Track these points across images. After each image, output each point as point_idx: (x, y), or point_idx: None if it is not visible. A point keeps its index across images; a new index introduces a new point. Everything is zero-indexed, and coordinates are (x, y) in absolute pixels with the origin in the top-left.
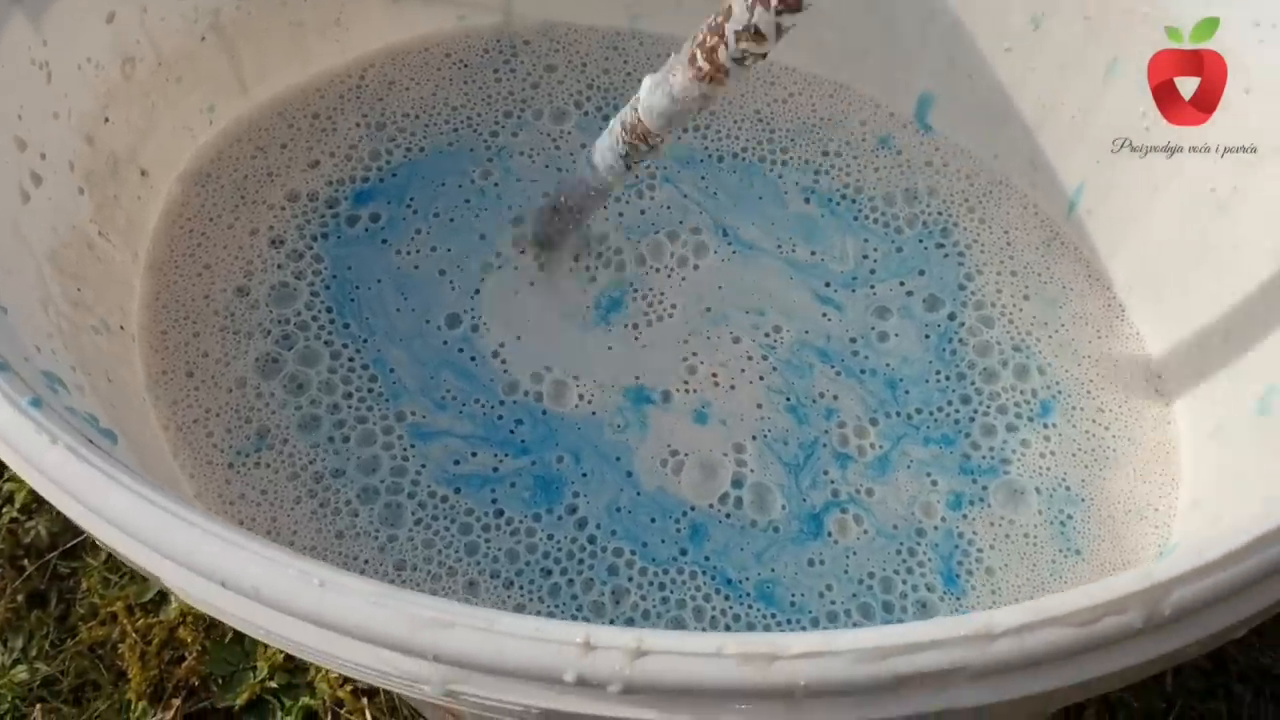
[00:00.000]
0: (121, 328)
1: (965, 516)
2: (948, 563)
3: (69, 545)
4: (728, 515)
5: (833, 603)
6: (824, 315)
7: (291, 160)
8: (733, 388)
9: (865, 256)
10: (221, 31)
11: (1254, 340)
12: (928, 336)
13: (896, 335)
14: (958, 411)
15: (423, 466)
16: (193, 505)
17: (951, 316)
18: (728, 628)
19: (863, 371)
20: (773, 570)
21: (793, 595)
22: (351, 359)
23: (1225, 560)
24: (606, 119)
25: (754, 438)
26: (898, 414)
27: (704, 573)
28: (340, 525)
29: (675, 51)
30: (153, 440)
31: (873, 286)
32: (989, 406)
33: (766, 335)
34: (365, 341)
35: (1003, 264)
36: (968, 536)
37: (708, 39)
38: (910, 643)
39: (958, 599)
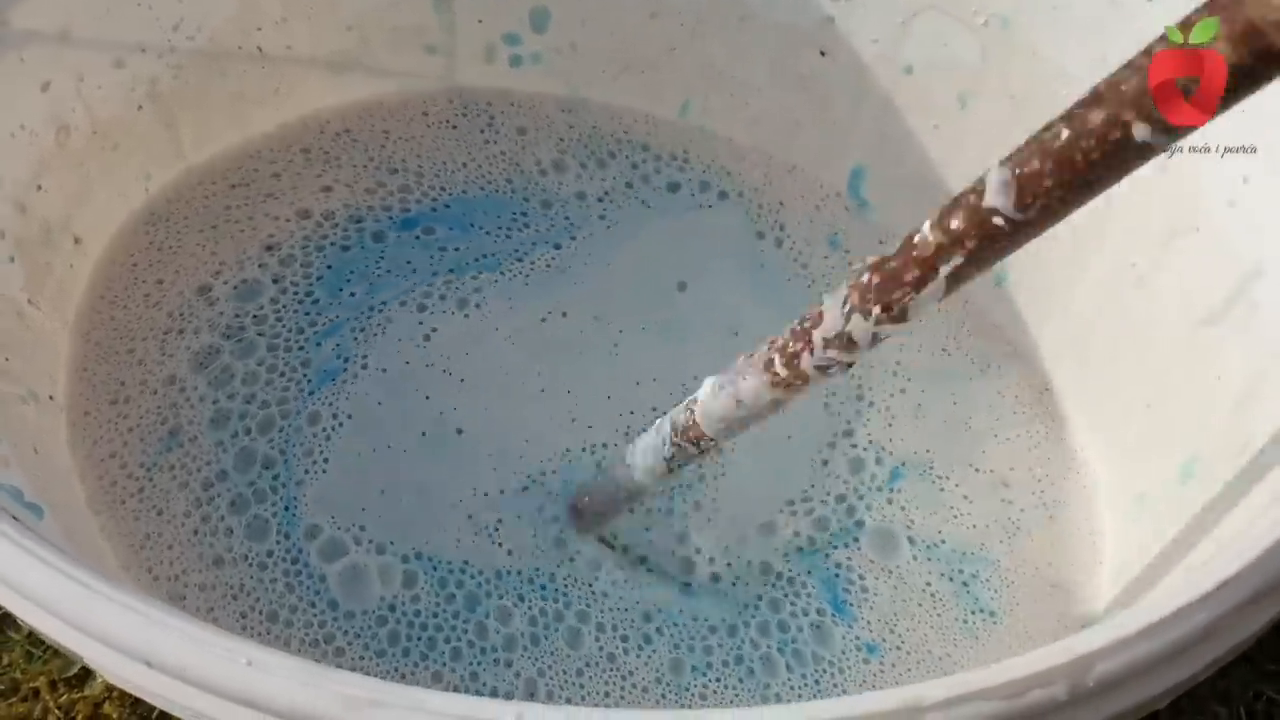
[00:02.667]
0: (50, 397)
1: (842, 552)
2: (832, 589)
3: None
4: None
5: (723, 618)
6: None
7: (299, 183)
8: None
9: None
10: (159, 100)
11: (1175, 410)
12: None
13: None
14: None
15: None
16: (117, 578)
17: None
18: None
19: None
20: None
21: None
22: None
23: (1145, 633)
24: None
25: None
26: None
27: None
28: (219, 549)
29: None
30: (77, 504)
31: None
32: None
33: None
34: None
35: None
36: (846, 566)
37: (790, 344)
38: (838, 717)
39: (849, 625)
